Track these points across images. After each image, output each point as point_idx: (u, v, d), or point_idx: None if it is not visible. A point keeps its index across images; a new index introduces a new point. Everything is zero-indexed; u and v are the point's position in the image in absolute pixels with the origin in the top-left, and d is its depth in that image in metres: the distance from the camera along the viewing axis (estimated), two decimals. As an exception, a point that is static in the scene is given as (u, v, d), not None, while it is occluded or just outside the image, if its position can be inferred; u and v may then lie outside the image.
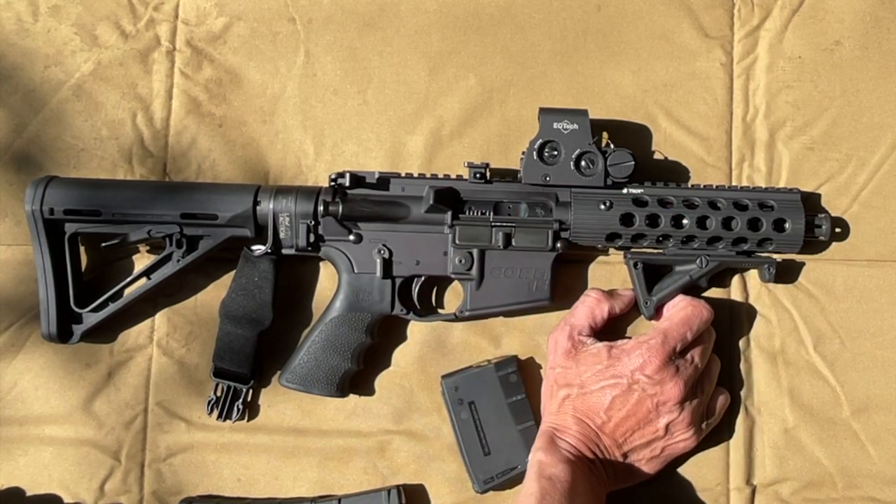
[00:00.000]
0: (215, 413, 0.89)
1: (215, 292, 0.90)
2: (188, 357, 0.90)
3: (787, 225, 0.86)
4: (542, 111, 0.86)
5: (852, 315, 0.90)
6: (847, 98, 0.93)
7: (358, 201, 0.86)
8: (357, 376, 0.89)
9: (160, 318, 0.91)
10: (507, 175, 0.89)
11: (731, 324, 0.90)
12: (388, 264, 0.87)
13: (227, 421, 0.89)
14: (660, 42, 0.94)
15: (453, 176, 0.88)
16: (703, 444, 0.87)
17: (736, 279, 0.91)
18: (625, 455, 0.83)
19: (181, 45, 0.94)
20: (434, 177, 0.88)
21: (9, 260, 0.91)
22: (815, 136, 0.92)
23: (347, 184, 0.86)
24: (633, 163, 0.85)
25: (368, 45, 0.94)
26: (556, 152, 0.86)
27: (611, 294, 0.88)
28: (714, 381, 0.86)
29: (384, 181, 0.87)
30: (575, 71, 0.94)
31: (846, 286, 0.91)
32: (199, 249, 0.87)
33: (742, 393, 0.90)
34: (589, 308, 0.86)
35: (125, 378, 0.90)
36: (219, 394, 0.89)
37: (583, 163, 0.86)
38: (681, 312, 0.84)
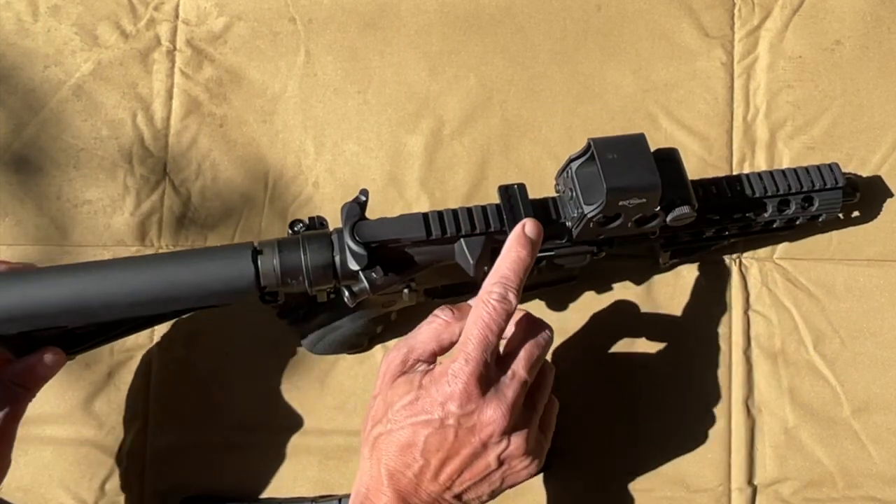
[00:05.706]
0: (215, 413, 0.89)
1: (215, 292, 0.90)
2: (188, 357, 0.90)
3: (820, 218, 0.85)
4: (610, 190, 0.70)
5: (852, 315, 0.90)
6: (847, 98, 0.93)
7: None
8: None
9: (160, 318, 0.91)
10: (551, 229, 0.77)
11: (730, 323, 0.90)
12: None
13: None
14: (660, 42, 0.94)
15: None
16: (704, 444, 0.88)
17: (736, 279, 0.91)
18: (458, 496, 0.70)
19: (181, 44, 0.94)
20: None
21: (8, 260, 0.91)
22: (815, 135, 0.92)
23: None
24: (693, 216, 0.77)
25: (369, 45, 0.94)
26: (617, 220, 0.76)
27: (461, 311, 0.73)
28: (547, 392, 0.74)
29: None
30: (575, 71, 0.94)
31: (846, 286, 0.91)
32: None
33: (742, 393, 0.89)
34: (435, 331, 0.72)
35: (125, 378, 0.90)
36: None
37: (644, 224, 0.77)
38: (473, 316, 0.69)
